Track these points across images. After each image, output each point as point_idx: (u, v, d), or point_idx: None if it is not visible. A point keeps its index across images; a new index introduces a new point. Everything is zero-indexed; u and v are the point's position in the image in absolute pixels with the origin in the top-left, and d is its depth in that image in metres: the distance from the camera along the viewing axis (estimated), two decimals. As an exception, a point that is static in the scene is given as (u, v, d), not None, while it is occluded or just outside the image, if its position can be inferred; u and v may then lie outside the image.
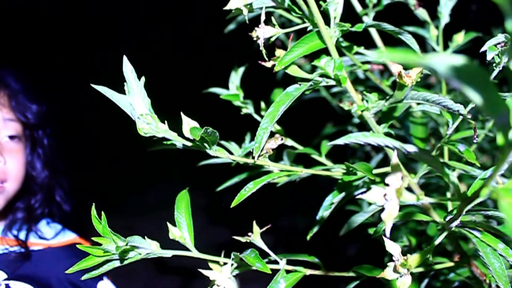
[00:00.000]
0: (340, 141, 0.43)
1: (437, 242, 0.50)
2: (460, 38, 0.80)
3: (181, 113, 0.50)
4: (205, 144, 0.51)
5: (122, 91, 0.48)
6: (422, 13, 0.85)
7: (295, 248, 0.72)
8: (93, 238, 0.51)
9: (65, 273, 0.90)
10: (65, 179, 1.04)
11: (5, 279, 0.86)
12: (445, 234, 0.50)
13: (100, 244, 0.50)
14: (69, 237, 1.00)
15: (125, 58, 0.48)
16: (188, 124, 0.50)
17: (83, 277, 0.52)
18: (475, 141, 0.60)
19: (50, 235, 0.99)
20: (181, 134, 0.50)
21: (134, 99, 0.48)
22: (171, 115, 0.54)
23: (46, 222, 1.01)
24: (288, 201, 2.75)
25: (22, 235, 0.95)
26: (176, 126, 0.50)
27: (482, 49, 0.53)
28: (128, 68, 0.48)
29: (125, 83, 0.48)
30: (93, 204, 0.52)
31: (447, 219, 0.48)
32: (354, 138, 0.42)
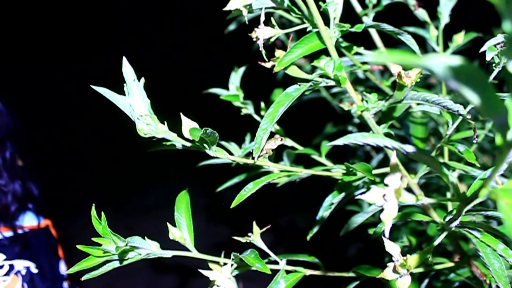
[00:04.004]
0: (340, 141, 0.43)
1: (437, 242, 0.50)
2: (460, 39, 0.80)
3: (181, 114, 0.50)
4: (205, 145, 0.51)
5: (122, 92, 0.48)
6: (422, 14, 0.85)
7: (295, 248, 0.72)
8: (93, 239, 0.51)
9: (43, 250, 1.06)
10: (36, 184, 1.15)
11: (5, 259, 1.02)
12: (445, 234, 0.50)
13: (100, 245, 0.50)
14: (42, 221, 1.13)
15: (124, 59, 0.48)
16: (188, 124, 0.50)
17: (83, 278, 0.52)
18: (475, 141, 0.60)
19: (27, 222, 1.10)
20: (180, 135, 0.50)
21: (133, 100, 0.48)
22: (171, 115, 0.54)
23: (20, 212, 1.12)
24: (288, 201, 2.75)
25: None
26: (176, 127, 0.50)
27: (482, 50, 0.53)
28: (127, 69, 0.48)
29: (124, 84, 0.48)
30: (93, 204, 0.52)
31: (447, 219, 0.48)
32: (353, 138, 0.42)
